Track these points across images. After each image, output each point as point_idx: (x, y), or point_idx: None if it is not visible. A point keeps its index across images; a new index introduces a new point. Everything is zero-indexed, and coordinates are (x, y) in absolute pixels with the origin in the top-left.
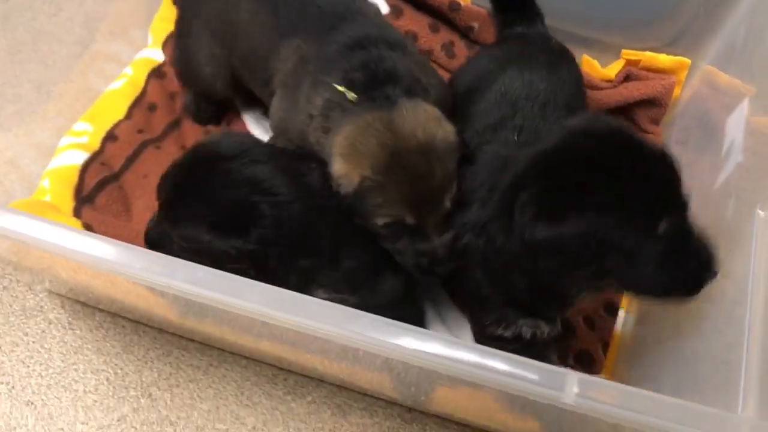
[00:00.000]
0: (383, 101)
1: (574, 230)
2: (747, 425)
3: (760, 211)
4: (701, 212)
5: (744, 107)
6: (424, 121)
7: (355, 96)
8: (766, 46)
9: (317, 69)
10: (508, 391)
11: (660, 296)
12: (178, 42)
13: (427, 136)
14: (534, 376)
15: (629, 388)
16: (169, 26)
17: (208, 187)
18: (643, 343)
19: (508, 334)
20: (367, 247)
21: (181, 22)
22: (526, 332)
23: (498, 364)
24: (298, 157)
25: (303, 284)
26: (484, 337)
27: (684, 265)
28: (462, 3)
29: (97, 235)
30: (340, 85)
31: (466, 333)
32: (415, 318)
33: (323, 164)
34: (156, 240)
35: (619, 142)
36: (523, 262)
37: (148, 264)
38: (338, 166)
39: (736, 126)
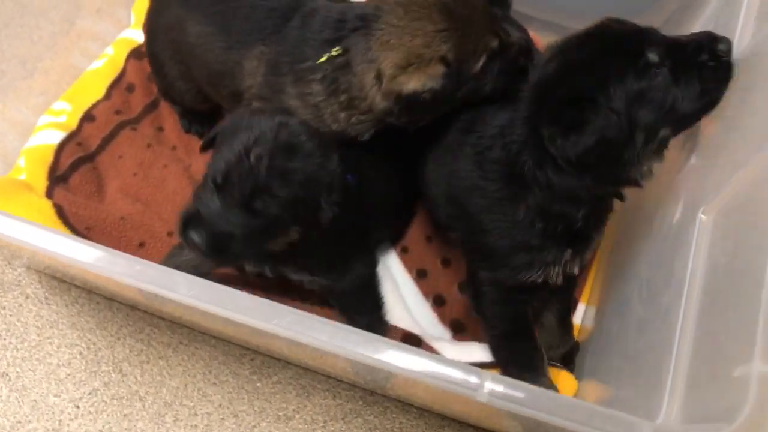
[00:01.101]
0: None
1: (601, 123)
2: (649, 429)
3: (702, 215)
4: (654, 212)
5: None
6: None
7: (338, 47)
8: None
9: (292, 62)
10: (436, 388)
11: (706, 106)
12: (150, 60)
13: None
14: (456, 376)
15: (537, 389)
16: None
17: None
18: (599, 336)
19: (538, 277)
20: (341, 237)
21: (149, 44)
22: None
23: (424, 366)
24: None
25: (281, 263)
26: (501, 291)
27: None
28: None
29: (62, 235)
30: (320, 57)
31: (427, 315)
32: (376, 302)
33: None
34: None
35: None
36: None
37: (105, 263)
38: (416, 77)
39: (694, 127)
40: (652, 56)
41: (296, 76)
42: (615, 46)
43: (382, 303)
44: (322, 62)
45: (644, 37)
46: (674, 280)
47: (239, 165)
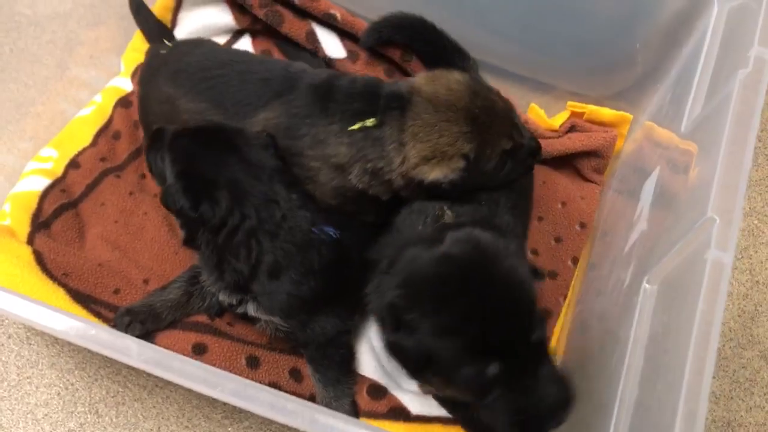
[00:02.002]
0: (397, 103)
1: (407, 343)
2: None
3: (646, 284)
4: (611, 274)
5: (655, 175)
6: (442, 81)
7: (373, 119)
8: (684, 109)
9: (312, 126)
10: None
11: None
12: (144, 127)
13: (455, 88)
14: None
15: None
16: (139, 56)
17: None
18: None
19: None
20: (309, 284)
21: (142, 113)
22: None
23: None
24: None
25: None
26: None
27: (527, 410)
28: (338, 14)
29: (20, 297)
30: (351, 125)
31: (396, 365)
32: (343, 357)
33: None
34: None
35: (478, 272)
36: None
37: (62, 325)
38: (439, 169)
39: (647, 193)
40: (492, 371)
41: (316, 139)
42: None
43: (351, 357)
44: (354, 129)
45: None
46: (619, 346)
47: None
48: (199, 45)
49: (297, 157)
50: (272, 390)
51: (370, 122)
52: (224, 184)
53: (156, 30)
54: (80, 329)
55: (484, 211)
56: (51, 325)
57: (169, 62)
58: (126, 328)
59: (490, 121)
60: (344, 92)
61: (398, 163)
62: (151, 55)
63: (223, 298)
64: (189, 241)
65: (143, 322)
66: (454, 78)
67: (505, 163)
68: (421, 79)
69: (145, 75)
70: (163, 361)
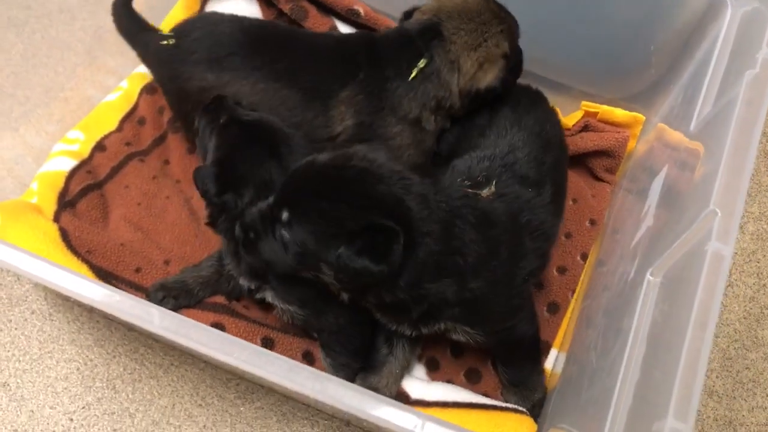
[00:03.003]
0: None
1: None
2: None
3: (649, 276)
4: (616, 267)
5: (663, 174)
6: None
7: (423, 59)
8: (694, 112)
9: (384, 95)
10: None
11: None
12: (182, 117)
13: None
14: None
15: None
16: None
17: None
18: (562, 382)
19: None
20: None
21: (177, 105)
22: None
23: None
24: None
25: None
26: None
27: None
28: (362, 10)
29: (52, 265)
30: (409, 75)
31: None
32: (354, 348)
33: None
34: None
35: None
36: None
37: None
38: (491, 73)
39: (655, 191)
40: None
41: (393, 104)
42: None
43: (363, 346)
44: (414, 78)
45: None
46: (621, 336)
47: None
48: (218, 23)
49: (380, 129)
50: (287, 358)
51: (422, 63)
52: (254, 182)
53: (137, 26)
54: (106, 295)
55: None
56: (81, 292)
57: (198, 50)
58: (159, 303)
59: (508, 18)
60: (389, 51)
61: (455, 83)
62: (160, 50)
63: (243, 282)
64: (211, 223)
65: (176, 297)
66: None
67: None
68: (431, 2)
69: (170, 71)
70: (181, 329)
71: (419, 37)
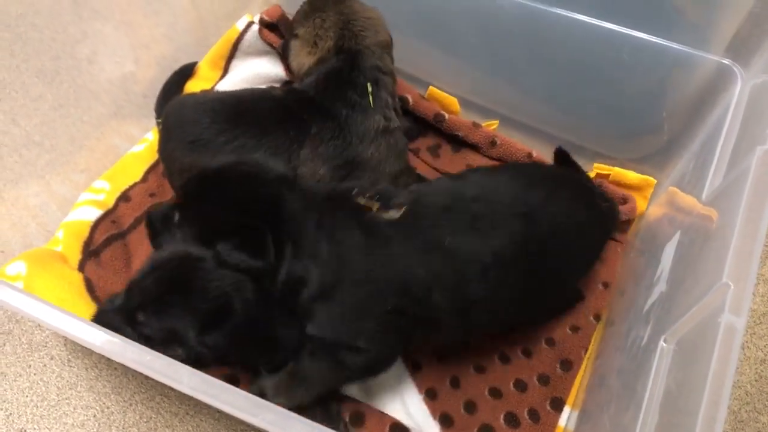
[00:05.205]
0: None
1: None
2: None
3: (663, 343)
4: (630, 331)
5: (676, 239)
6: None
7: (368, 83)
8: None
9: (352, 133)
10: None
11: None
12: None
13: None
14: None
15: None
16: None
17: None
18: None
19: None
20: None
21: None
22: None
23: None
24: None
25: None
26: None
27: None
28: (446, 115)
29: (79, 320)
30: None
31: (419, 407)
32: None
33: None
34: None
35: None
36: None
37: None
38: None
39: (668, 255)
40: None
41: (359, 132)
42: None
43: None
44: (369, 100)
45: None
46: (634, 402)
47: None
48: (184, 106)
49: (358, 158)
50: (308, 421)
51: (370, 87)
52: None
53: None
54: (137, 353)
55: None
56: (110, 349)
57: (174, 134)
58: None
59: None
60: (328, 99)
61: (390, 69)
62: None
63: None
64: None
65: None
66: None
67: None
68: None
69: (161, 146)
70: (210, 389)
71: (349, 71)
